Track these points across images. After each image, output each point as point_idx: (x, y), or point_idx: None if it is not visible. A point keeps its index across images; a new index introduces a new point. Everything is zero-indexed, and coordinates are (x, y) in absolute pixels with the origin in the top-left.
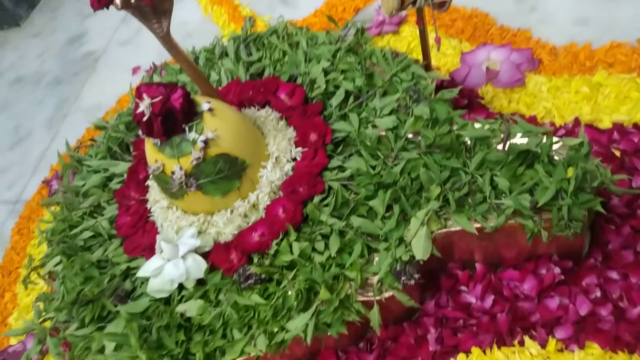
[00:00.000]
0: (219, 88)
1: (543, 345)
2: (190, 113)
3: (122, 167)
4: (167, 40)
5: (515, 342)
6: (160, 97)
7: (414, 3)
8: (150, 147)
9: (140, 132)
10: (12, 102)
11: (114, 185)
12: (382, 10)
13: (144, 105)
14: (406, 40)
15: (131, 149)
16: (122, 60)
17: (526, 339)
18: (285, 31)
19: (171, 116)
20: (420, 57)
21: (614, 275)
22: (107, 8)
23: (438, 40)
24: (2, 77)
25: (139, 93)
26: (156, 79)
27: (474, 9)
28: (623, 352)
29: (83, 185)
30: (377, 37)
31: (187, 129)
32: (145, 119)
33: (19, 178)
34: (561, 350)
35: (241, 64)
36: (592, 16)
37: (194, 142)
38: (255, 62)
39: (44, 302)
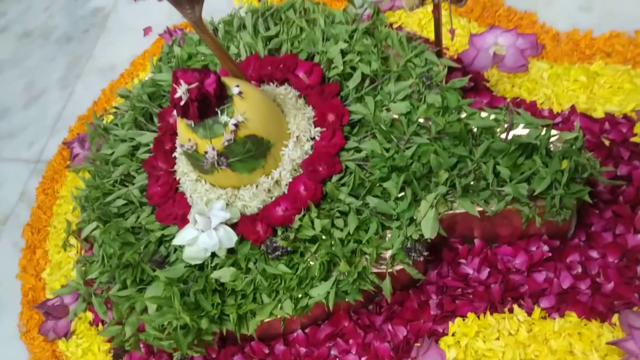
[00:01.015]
0: (240, 62)
1: (529, 313)
2: (222, 97)
3: (147, 137)
4: (198, 25)
5: (506, 309)
6: (196, 84)
7: None
8: (183, 127)
9: (175, 113)
10: (22, 58)
11: (141, 154)
12: (403, 4)
13: (181, 91)
14: (417, 17)
15: (154, 119)
16: (132, 18)
17: (515, 307)
18: (303, 6)
19: (205, 100)
20: (430, 36)
21: (594, 254)
22: None
23: (452, 32)
24: (9, 30)
25: (175, 78)
26: (176, 49)
27: None
28: (596, 321)
29: (111, 154)
30: (389, 12)
31: (219, 112)
32: (182, 103)
33: (37, 137)
34: (544, 318)
35: (259, 39)
36: (595, 2)
37: (225, 124)
38: (273, 37)
39: (85, 264)
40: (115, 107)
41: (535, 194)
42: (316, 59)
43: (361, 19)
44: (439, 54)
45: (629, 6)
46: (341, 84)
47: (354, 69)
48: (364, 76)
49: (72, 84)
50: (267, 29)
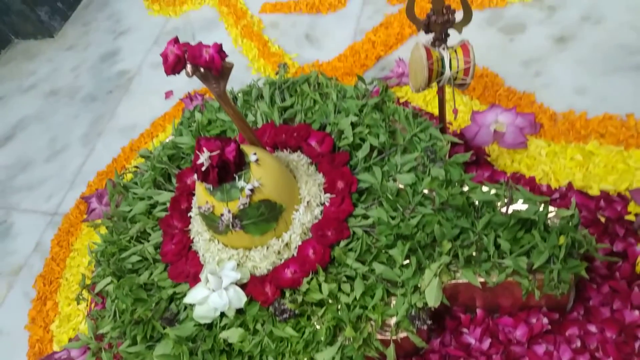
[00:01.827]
0: (256, 128)
1: None
2: (241, 164)
3: (165, 196)
4: (222, 97)
5: None
6: (217, 152)
7: (438, 82)
8: (202, 190)
9: (195, 176)
10: (48, 114)
11: (157, 212)
12: (410, 85)
13: (204, 158)
14: (422, 93)
15: (173, 179)
16: (155, 82)
17: None
18: (317, 81)
19: (225, 167)
20: (435, 111)
21: (592, 328)
22: (179, 73)
23: (456, 112)
24: (37, 88)
25: (199, 145)
26: (197, 115)
27: (485, 68)
28: None
29: (129, 211)
30: (396, 87)
31: (237, 177)
32: (203, 169)
33: (56, 191)
34: None
35: (275, 108)
36: (590, 86)
37: (242, 189)
38: (288, 108)
39: (97, 319)
40: (136, 167)
41: (534, 267)
42: (328, 130)
43: (370, 94)
44: (443, 130)
45: (621, 91)
46: (351, 153)
47: (363, 140)
48: (372, 147)
49: (94, 141)
50: (283, 99)
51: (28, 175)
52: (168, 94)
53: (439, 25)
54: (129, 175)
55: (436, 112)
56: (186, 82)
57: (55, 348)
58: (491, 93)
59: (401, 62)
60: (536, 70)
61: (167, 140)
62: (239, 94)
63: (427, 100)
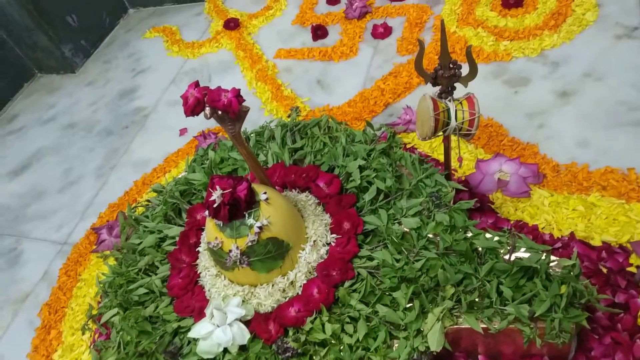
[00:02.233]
0: (266, 168)
1: None
2: (251, 202)
3: (175, 230)
4: (236, 138)
5: None
6: (230, 190)
7: (444, 131)
8: (212, 226)
9: (207, 213)
10: (65, 146)
11: (167, 246)
12: (417, 134)
13: (216, 195)
14: (429, 140)
15: (183, 214)
16: (170, 120)
17: None
18: (327, 125)
19: (236, 204)
20: (440, 157)
21: None
22: (197, 115)
23: (460, 160)
24: (56, 121)
25: (212, 183)
26: (210, 154)
27: (490, 118)
28: None
29: (139, 244)
30: (403, 134)
31: (246, 215)
32: (215, 205)
33: (67, 221)
34: None
35: (286, 149)
36: (591, 140)
37: (251, 226)
38: (299, 149)
39: (102, 350)
40: (148, 200)
41: (536, 315)
42: (336, 172)
43: (378, 139)
44: (448, 177)
45: (622, 146)
46: (358, 196)
47: (370, 183)
48: (378, 191)
49: (107, 173)
50: (294, 141)
51: (41, 205)
52: (182, 132)
53: (445, 79)
54: (141, 209)
55: (442, 158)
56: (200, 121)
57: None
58: (496, 143)
59: (409, 109)
60: (540, 123)
61: (180, 176)
62: (252, 135)
63: (433, 147)
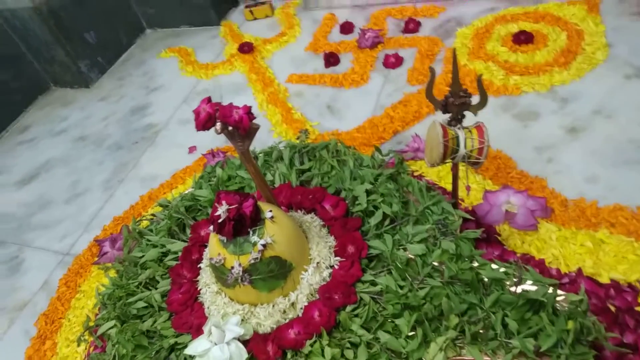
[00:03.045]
0: (273, 187)
1: None
2: (256, 219)
3: (177, 245)
4: (245, 155)
5: None
6: (236, 205)
7: (453, 159)
8: (215, 242)
9: (211, 228)
10: (74, 159)
11: (169, 261)
12: (425, 160)
13: (222, 210)
14: (437, 168)
15: (187, 230)
16: (180, 137)
17: None
18: (335, 148)
19: (241, 221)
20: (447, 186)
21: None
22: (208, 130)
23: (469, 189)
24: (67, 133)
25: (218, 198)
26: (218, 171)
27: (499, 150)
28: None
29: (141, 257)
30: (411, 161)
31: (251, 232)
32: (220, 220)
33: (70, 232)
34: None
35: (294, 170)
36: (600, 176)
37: (254, 244)
38: (306, 171)
39: None
40: (152, 214)
41: (542, 350)
42: (342, 195)
43: (386, 165)
44: (455, 205)
45: (631, 183)
46: (363, 220)
47: (376, 207)
48: (384, 215)
49: (114, 187)
50: (302, 163)
51: (46, 214)
52: (191, 149)
53: (456, 106)
54: (145, 222)
55: (449, 187)
56: (210, 139)
57: None
58: (504, 175)
59: (417, 137)
60: (548, 157)
61: (186, 192)
62: (260, 154)
63: (440, 176)
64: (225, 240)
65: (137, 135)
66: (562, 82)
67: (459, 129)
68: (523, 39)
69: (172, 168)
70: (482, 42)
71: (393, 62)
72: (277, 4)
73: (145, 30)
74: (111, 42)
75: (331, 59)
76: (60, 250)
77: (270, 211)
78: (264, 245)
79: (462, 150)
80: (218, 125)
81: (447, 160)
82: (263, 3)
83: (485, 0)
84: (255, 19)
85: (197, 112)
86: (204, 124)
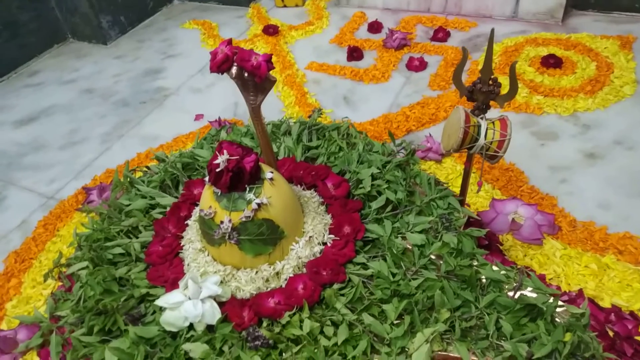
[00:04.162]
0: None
1: None
2: (255, 177)
3: (167, 200)
4: (255, 111)
5: None
6: (237, 157)
7: (470, 148)
8: (209, 194)
9: (207, 179)
10: (77, 108)
11: (155, 214)
12: (441, 146)
13: (221, 159)
14: (446, 171)
15: (180, 187)
16: (189, 104)
17: None
18: (347, 131)
19: (240, 174)
20: (455, 189)
21: None
22: (222, 74)
23: (480, 184)
24: (75, 83)
25: (220, 147)
26: (222, 134)
27: (512, 163)
28: None
29: (128, 205)
30: (421, 161)
31: (247, 189)
32: (218, 170)
33: (60, 177)
34: None
35: (300, 146)
36: (613, 204)
37: (249, 201)
38: (313, 148)
39: (59, 300)
40: (147, 167)
41: (534, 358)
42: (347, 177)
43: (396, 154)
44: (462, 203)
45: None
46: (364, 203)
47: (379, 193)
48: (387, 202)
49: (112, 141)
50: (310, 140)
51: (38, 157)
52: (198, 117)
53: (482, 94)
54: (139, 173)
55: (457, 190)
56: (219, 110)
57: (3, 327)
58: (514, 187)
59: (430, 138)
60: (562, 178)
61: (186, 151)
62: (269, 126)
63: (449, 179)
64: (219, 194)
65: (146, 96)
66: (586, 109)
67: (481, 118)
68: (552, 62)
69: (176, 131)
70: (510, 59)
71: (417, 65)
72: None
73: (173, 0)
74: (137, 4)
75: (354, 53)
76: (45, 194)
77: (272, 172)
78: (259, 205)
79: (481, 140)
80: (234, 69)
81: (464, 148)
82: None
83: (518, 22)
84: (284, 6)
85: (214, 53)
86: (219, 65)
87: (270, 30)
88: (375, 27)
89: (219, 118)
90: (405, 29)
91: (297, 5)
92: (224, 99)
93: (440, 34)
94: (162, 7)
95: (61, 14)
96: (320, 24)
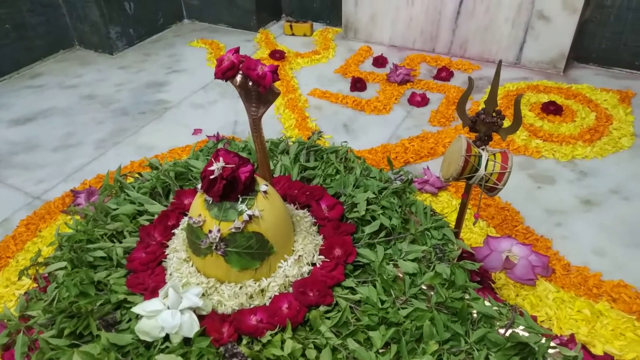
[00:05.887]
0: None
1: None
2: (250, 188)
3: (156, 207)
4: (256, 123)
5: None
6: (233, 165)
7: (469, 178)
8: (200, 202)
9: (199, 186)
10: (75, 112)
11: (142, 220)
12: (440, 174)
13: (216, 166)
14: (441, 204)
15: (171, 195)
16: (188, 119)
17: None
18: (345, 155)
19: (233, 184)
20: (450, 222)
21: None
22: (227, 81)
23: (477, 217)
24: (76, 89)
25: (216, 154)
26: (220, 147)
27: (508, 203)
28: None
29: (115, 209)
30: (417, 192)
31: (240, 199)
32: (212, 177)
33: (49, 178)
34: None
35: (297, 165)
36: (609, 252)
37: (240, 212)
38: (310, 169)
39: (31, 299)
40: (139, 174)
41: None
42: (342, 199)
43: (393, 181)
44: (457, 235)
45: (638, 263)
46: (358, 227)
47: (374, 218)
48: (381, 228)
49: (107, 147)
50: (307, 160)
51: (29, 157)
52: (197, 131)
53: (485, 124)
54: (130, 179)
55: (451, 224)
56: (218, 127)
57: None
58: (509, 227)
59: (427, 170)
60: (558, 221)
61: (181, 161)
62: (267, 142)
63: (444, 212)
64: (210, 202)
65: (146, 106)
66: (584, 157)
67: (482, 149)
68: (552, 109)
69: (172, 144)
70: (511, 103)
71: (419, 100)
72: (318, 27)
73: (183, 19)
74: (148, 19)
75: (358, 84)
76: (32, 193)
77: (267, 185)
78: (250, 217)
79: (482, 171)
80: (239, 77)
81: (463, 178)
82: (305, 22)
83: (521, 69)
84: (293, 34)
85: (220, 60)
86: (224, 71)
87: (277, 55)
88: (380, 61)
89: (217, 133)
90: (409, 66)
91: (305, 35)
92: (224, 116)
93: (444, 73)
94: (172, 25)
95: (71, 21)
96: (327, 54)
